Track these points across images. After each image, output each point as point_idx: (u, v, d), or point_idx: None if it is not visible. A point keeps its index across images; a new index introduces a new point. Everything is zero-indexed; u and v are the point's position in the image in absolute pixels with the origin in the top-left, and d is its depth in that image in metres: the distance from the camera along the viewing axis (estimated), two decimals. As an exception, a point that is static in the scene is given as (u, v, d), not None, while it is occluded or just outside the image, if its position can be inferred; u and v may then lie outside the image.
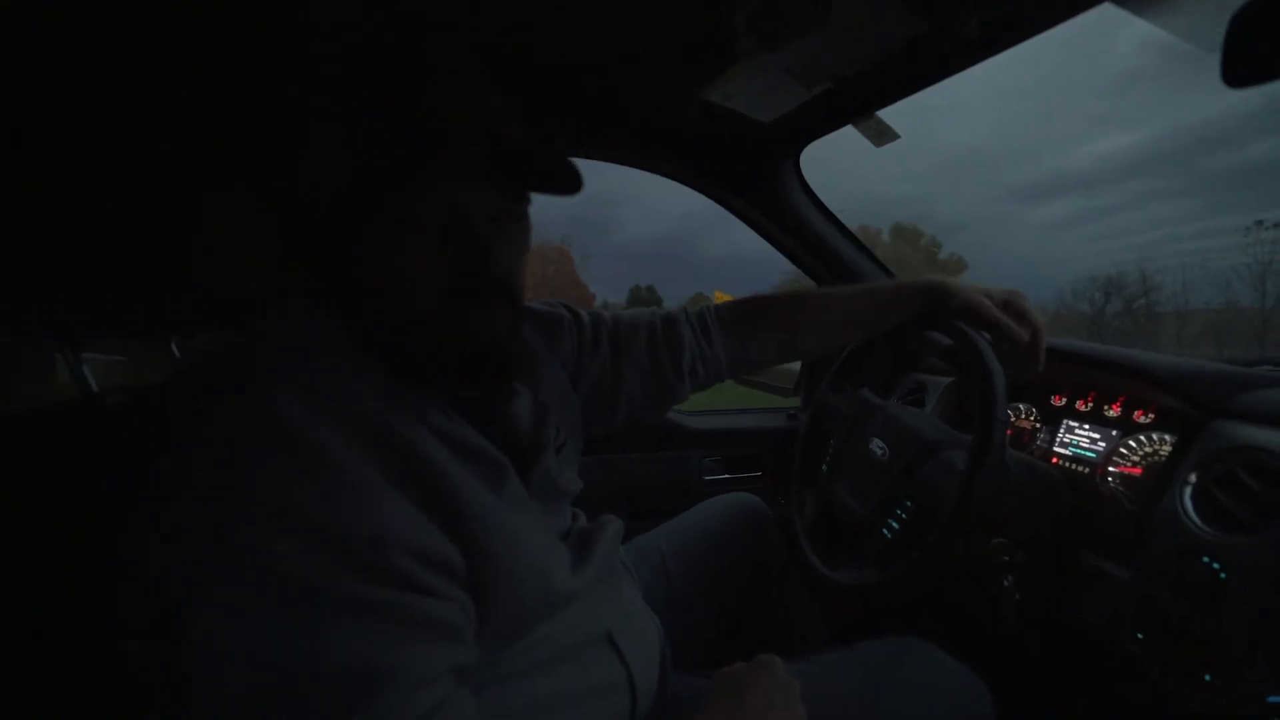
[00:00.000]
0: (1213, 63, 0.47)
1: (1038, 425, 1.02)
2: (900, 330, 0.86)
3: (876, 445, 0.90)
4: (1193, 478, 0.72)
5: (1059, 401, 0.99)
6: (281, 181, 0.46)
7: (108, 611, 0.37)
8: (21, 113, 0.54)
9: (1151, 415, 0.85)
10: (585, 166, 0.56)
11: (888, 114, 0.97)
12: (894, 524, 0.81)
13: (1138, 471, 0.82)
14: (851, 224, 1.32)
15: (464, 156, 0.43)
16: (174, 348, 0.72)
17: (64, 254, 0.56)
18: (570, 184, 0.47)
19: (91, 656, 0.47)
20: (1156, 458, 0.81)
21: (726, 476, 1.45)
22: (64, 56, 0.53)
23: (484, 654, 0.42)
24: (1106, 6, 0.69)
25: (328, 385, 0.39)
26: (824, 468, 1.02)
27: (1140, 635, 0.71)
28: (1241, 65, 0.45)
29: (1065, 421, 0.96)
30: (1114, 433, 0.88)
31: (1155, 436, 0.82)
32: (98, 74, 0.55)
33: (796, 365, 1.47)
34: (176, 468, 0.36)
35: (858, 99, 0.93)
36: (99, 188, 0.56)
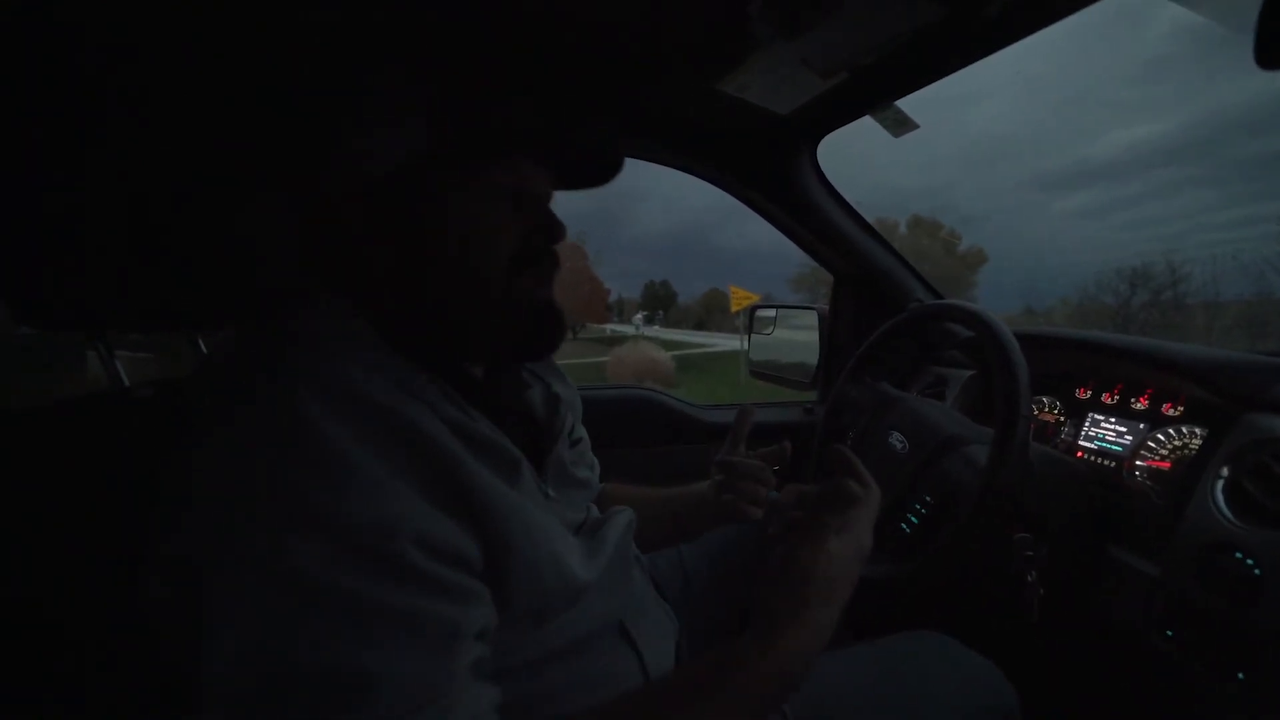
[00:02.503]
0: (1246, 45, 0.45)
1: (1062, 419, 1.00)
2: (920, 321, 0.85)
3: (896, 438, 0.89)
4: (1225, 471, 0.70)
5: (1084, 394, 0.98)
6: (313, 177, 0.47)
7: (126, 607, 0.37)
8: (56, 113, 0.56)
9: (1180, 408, 0.83)
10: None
11: (906, 103, 0.96)
12: (913, 518, 0.81)
13: (1166, 465, 0.81)
14: (869, 216, 1.30)
15: (535, 132, 0.49)
16: (201, 344, 0.74)
17: (98, 250, 0.57)
18: (611, 162, 0.57)
19: (104, 653, 0.48)
20: (1186, 451, 0.79)
21: None
22: (105, 54, 0.55)
23: (503, 644, 0.42)
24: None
25: (348, 382, 0.39)
26: (842, 462, 1.01)
27: (1169, 632, 0.69)
28: (1276, 46, 0.44)
29: (1090, 415, 0.95)
30: (1141, 426, 0.86)
31: (1185, 430, 0.80)
32: (130, 73, 0.57)
33: (814, 359, 1.46)
34: (194, 464, 0.37)
35: (875, 88, 0.91)
36: (133, 185, 0.58)
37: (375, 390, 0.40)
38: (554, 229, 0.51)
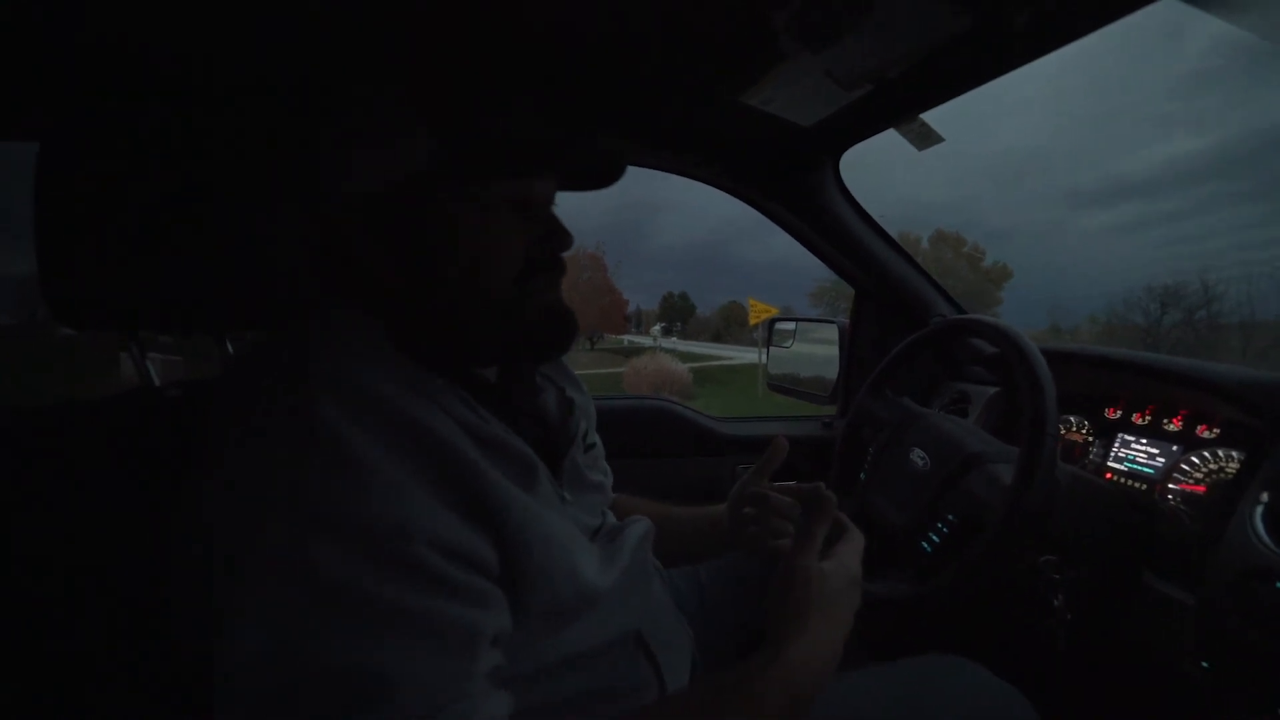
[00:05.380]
0: (1287, 56, 0.44)
1: (1090, 438, 0.97)
2: (943, 336, 0.83)
3: (917, 455, 0.88)
4: (1264, 496, 0.68)
5: (1113, 414, 0.95)
6: (329, 188, 0.48)
7: (150, 603, 0.38)
8: (96, 122, 0.58)
9: (1216, 430, 0.80)
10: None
11: (932, 116, 0.95)
12: (934, 537, 0.79)
13: (1201, 489, 0.78)
14: (891, 230, 1.29)
15: (536, 150, 0.49)
16: (229, 345, 0.75)
17: (135, 255, 0.59)
18: (613, 172, 0.56)
19: (129, 648, 0.49)
20: (1223, 475, 0.76)
21: None
22: (128, 56, 0.56)
23: (519, 650, 0.42)
24: (1173, 3, 0.65)
25: (366, 387, 0.40)
26: (862, 476, 1.00)
27: (1206, 664, 0.67)
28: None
29: (1120, 435, 0.92)
30: (1174, 448, 0.84)
31: (1221, 452, 0.78)
32: (154, 78, 0.58)
33: (832, 373, 1.44)
34: (216, 467, 0.38)
35: (900, 101, 0.91)
36: (167, 191, 0.60)
37: (391, 394, 0.41)
38: (560, 236, 0.51)
